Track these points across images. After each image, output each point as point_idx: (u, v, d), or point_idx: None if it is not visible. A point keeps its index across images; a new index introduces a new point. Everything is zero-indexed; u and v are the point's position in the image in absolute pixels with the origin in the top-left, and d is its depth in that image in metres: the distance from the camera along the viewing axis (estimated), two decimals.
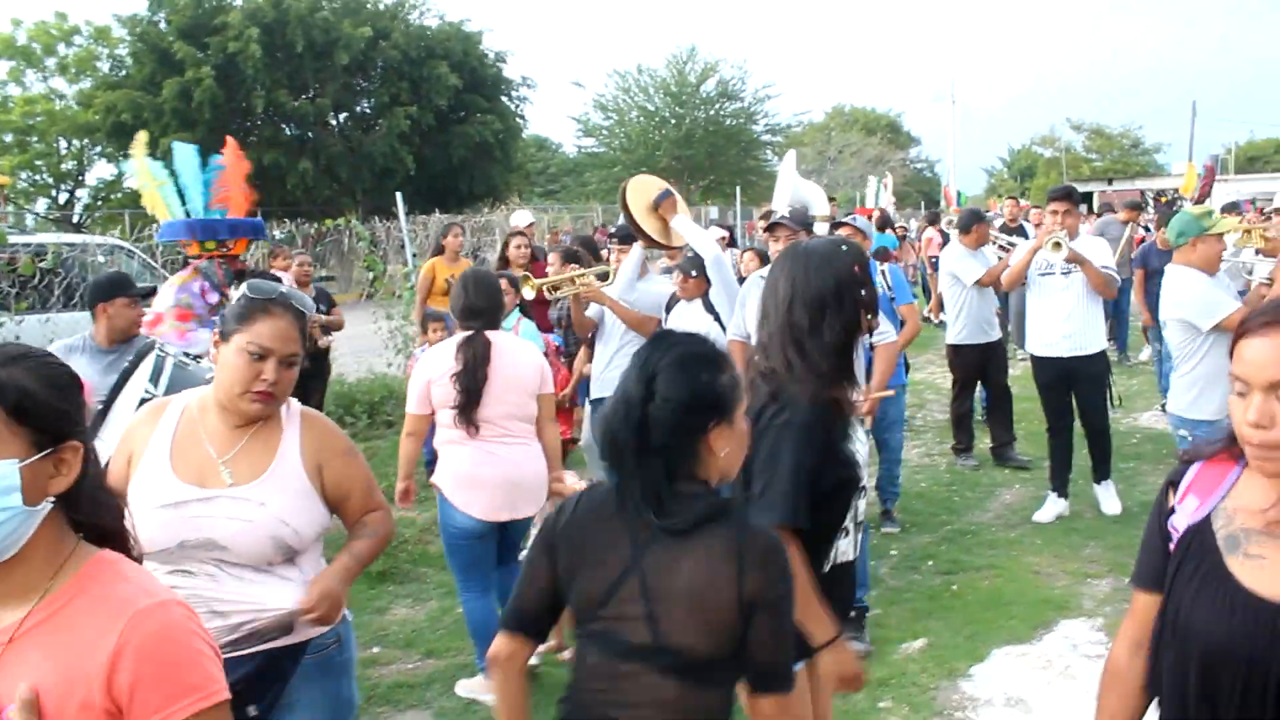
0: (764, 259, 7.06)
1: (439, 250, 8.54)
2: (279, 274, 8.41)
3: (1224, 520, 1.82)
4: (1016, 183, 58.81)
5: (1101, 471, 6.95)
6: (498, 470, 4.49)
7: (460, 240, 8.54)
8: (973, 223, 8.12)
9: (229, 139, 6.15)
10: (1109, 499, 6.90)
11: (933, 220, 18.77)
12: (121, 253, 10.27)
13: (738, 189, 20.43)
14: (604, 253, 7.47)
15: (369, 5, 30.50)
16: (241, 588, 2.49)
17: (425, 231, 15.84)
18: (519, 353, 4.64)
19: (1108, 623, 5.11)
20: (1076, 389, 6.79)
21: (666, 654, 1.97)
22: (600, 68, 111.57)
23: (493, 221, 20.50)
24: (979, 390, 8.48)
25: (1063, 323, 6.65)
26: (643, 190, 5.72)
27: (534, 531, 4.24)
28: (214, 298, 5.71)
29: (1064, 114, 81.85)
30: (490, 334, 4.55)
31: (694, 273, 5.89)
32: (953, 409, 8.38)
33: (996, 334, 8.12)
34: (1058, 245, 6.48)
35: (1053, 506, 6.85)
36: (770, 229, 5.81)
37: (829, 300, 2.64)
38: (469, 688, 4.69)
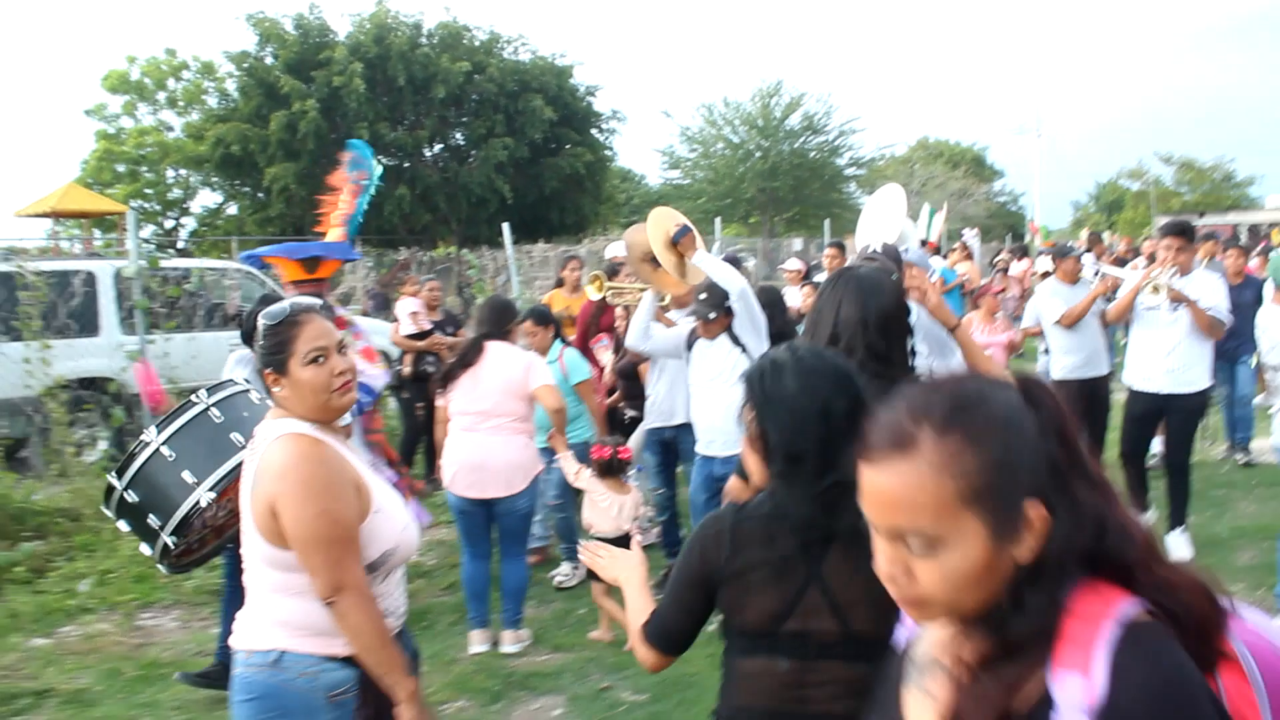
0: None
1: (559, 283, 9.10)
2: (410, 299, 9.02)
3: (927, 641, 1.46)
4: (1103, 216, 58.26)
5: (1177, 517, 6.70)
6: (469, 454, 5.50)
7: (578, 273, 8.96)
8: (1061, 256, 7.91)
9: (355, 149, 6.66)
10: (1180, 546, 6.61)
11: (1023, 253, 18.88)
12: (250, 278, 10.97)
13: (826, 223, 20.78)
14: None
15: (466, 41, 31.46)
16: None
17: (530, 260, 16.48)
18: (507, 359, 5.63)
19: None
20: (1168, 422, 6.72)
21: (854, 643, 2.11)
22: (686, 101, 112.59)
23: (592, 251, 21.22)
24: None
25: (1164, 358, 6.51)
26: (661, 223, 5.75)
27: (536, 528, 5.38)
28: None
29: (1152, 146, 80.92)
30: (489, 343, 5.62)
31: (711, 315, 5.65)
32: None
33: (1100, 369, 7.51)
34: (1156, 290, 6.45)
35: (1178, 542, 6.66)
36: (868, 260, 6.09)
37: (894, 322, 2.94)
38: (474, 640, 5.69)
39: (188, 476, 3.60)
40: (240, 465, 3.45)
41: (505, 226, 11.82)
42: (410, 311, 8.85)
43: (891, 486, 1.27)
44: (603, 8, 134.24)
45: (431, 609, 6.24)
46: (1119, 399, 7.26)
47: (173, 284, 8.81)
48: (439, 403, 5.86)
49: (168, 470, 3.63)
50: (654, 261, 5.78)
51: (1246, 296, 8.72)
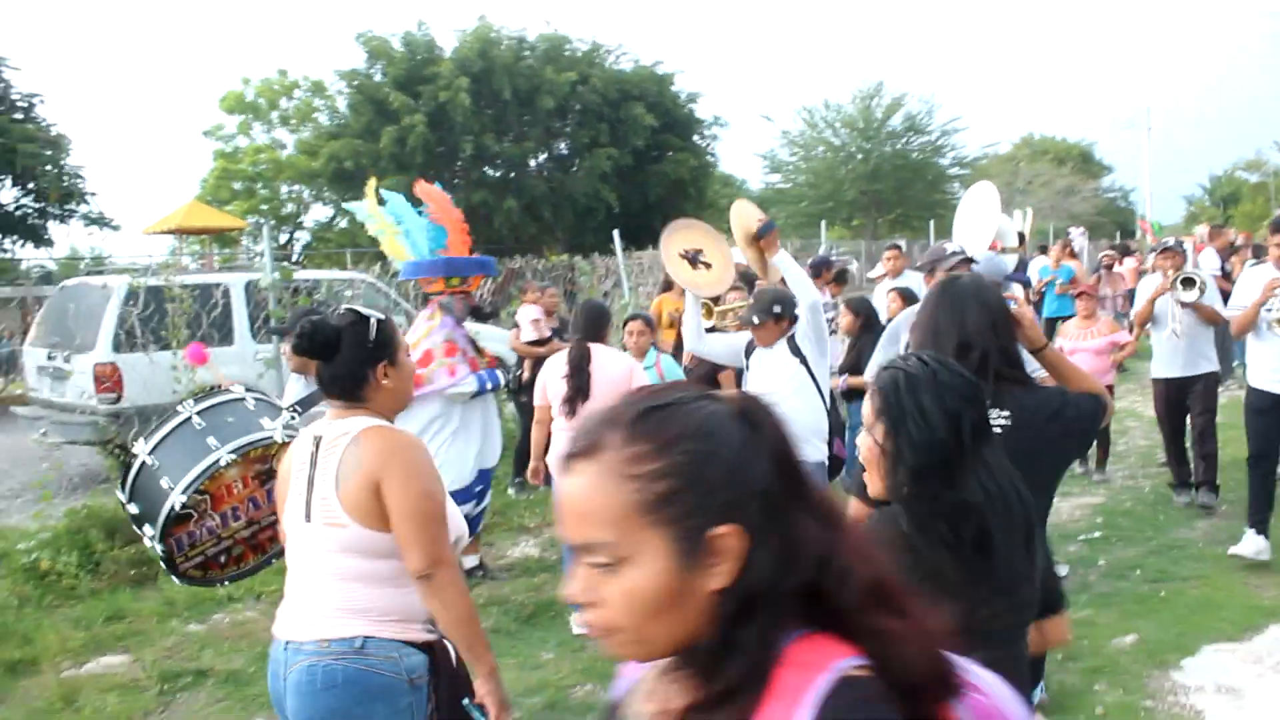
0: (907, 299, 7.15)
1: (667, 286, 9.33)
2: (531, 306, 9.32)
3: (640, 697, 1.31)
4: (1219, 210, 56.56)
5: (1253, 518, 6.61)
6: None
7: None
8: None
9: (419, 181, 6.90)
10: (1250, 546, 6.52)
11: (1125, 252, 18.57)
12: (373, 289, 11.43)
13: (930, 223, 20.73)
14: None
15: (568, 52, 31.98)
16: None
17: (640, 266, 16.77)
18: (611, 361, 5.97)
19: None
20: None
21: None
22: (786, 104, 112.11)
23: None
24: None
25: None
26: (745, 216, 5.66)
27: None
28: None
29: (1270, 135, 78.14)
30: (591, 345, 5.96)
31: (756, 319, 5.62)
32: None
33: (1204, 368, 7.72)
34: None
35: (1251, 543, 6.50)
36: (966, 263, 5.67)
37: (1003, 326, 2.96)
38: (577, 621, 5.85)
39: (165, 483, 3.75)
40: (215, 465, 3.75)
41: (615, 233, 12.10)
42: (532, 319, 9.12)
43: (575, 493, 1.19)
44: (702, 14, 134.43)
45: (558, 600, 6.49)
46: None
47: (304, 294, 9.23)
48: (538, 403, 6.18)
49: (152, 479, 3.78)
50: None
51: None
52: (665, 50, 70.90)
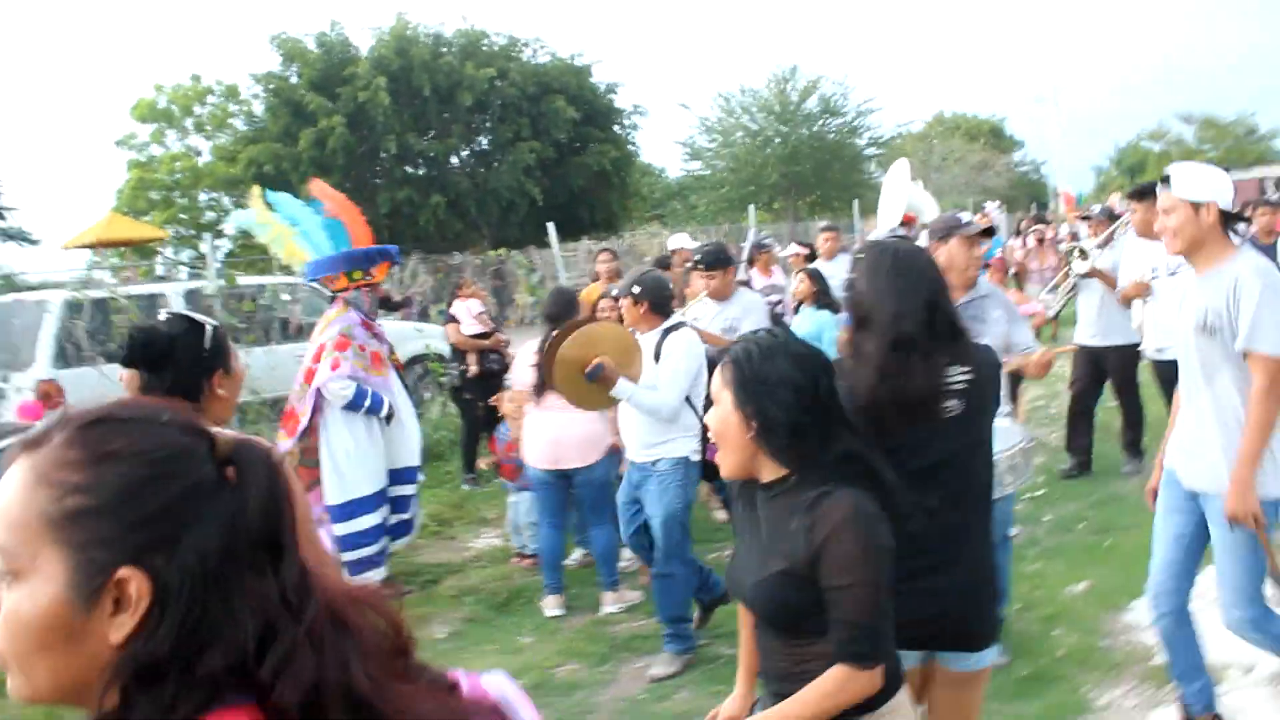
0: (815, 280, 7.38)
1: (596, 277, 9.47)
2: (472, 300, 9.37)
3: None
4: (1127, 179, 58.03)
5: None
6: (547, 430, 5.95)
7: (608, 265, 9.29)
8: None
9: (314, 180, 6.71)
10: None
11: (1039, 222, 18.91)
12: (317, 293, 11.42)
13: (855, 203, 21.10)
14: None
15: (485, 47, 31.96)
16: None
17: (575, 256, 16.91)
18: None
19: None
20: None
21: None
22: (703, 91, 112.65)
23: (635, 245, 21.63)
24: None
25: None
26: (576, 363, 5.13)
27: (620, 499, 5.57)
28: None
29: (1172, 106, 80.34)
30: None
31: (615, 293, 5.63)
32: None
33: (1118, 339, 7.76)
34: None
35: None
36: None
37: (944, 283, 2.99)
38: (548, 605, 6.15)
39: None
40: None
41: (550, 226, 12.26)
42: (476, 312, 9.13)
43: (2, 483, 1.04)
44: (615, 5, 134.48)
45: (528, 587, 6.59)
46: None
47: (248, 300, 9.24)
48: (511, 383, 6.31)
49: None
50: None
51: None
52: (582, 41, 70.80)
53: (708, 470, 5.48)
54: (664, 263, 9.18)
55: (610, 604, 6.06)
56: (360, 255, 6.26)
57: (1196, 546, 4.01)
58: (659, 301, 5.28)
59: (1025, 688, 4.59)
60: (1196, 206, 3.59)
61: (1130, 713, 4.34)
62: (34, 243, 28.19)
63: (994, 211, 22.64)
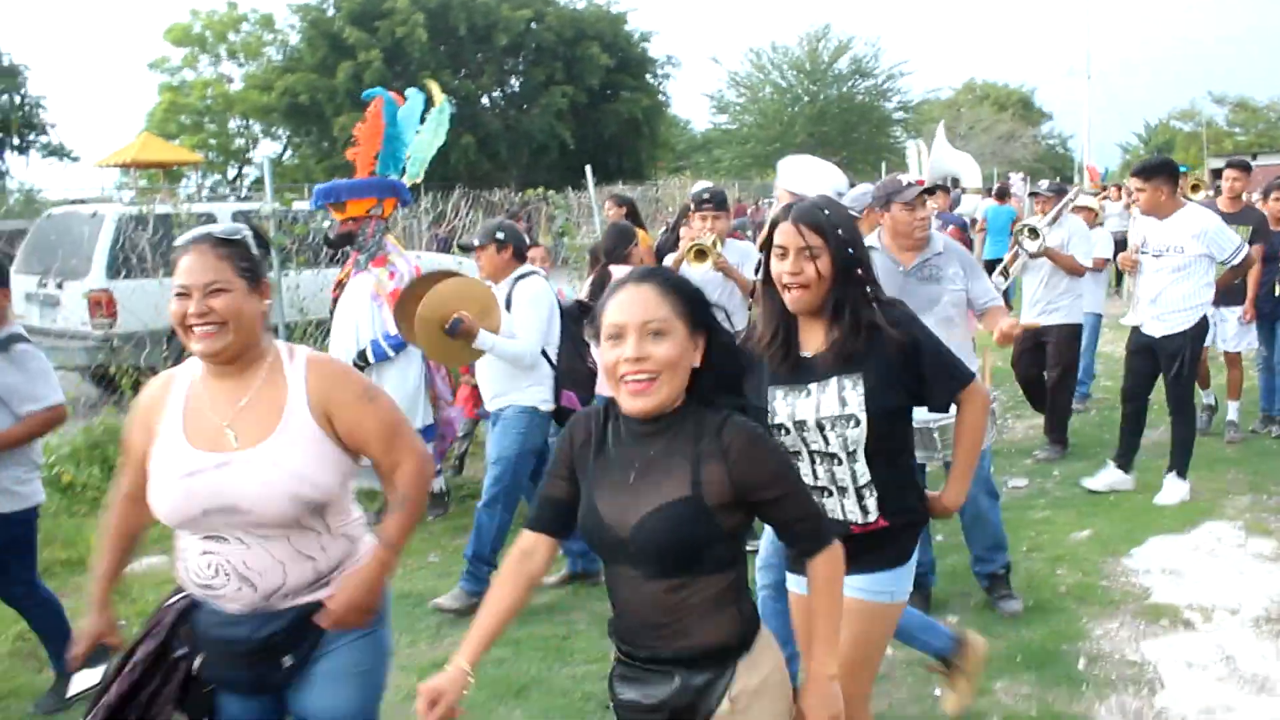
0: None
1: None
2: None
3: None
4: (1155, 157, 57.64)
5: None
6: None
7: (613, 212, 9.46)
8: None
9: (375, 98, 6.74)
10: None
11: (1060, 194, 19.06)
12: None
13: (883, 165, 21.37)
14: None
15: None
16: (268, 554, 2.47)
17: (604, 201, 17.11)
18: None
19: (1247, 523, 6.14)
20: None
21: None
22: (734, 46, 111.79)
23: (663, 194, 21.85)
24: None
25: (1149, 305, 6.66)
26: (439, 312, 5.06)
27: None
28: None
29: (1206, 86, 79.51)
30: (613, 267, 6.09)
31: (477, 241, 5.50)
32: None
33: (1058, 318, 7.68)
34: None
35: (1107, 476, 6.97)
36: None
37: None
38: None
39: None
40: None
41: (588, 169, 12.51)
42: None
43: None
44: None
45: None
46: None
47: (301, 223, 9.58)
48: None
49: None
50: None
51: None
52: None
53: (560, 419, 5.43)
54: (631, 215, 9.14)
55: None
56: (335, 189, 6.35)
57: None
58: (520, 248, 5.42)
59: (1029, 617, 4.99)
60: None
61: (1123, 642, 4.73)
62: (74, 159, 28.54)
63: (1018, 182, 22.81)
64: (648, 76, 34.65)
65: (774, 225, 2.80)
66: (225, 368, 2.51)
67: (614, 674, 2.35)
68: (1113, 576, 5.50)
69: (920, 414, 3.21)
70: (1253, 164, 9.78)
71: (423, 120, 7.12)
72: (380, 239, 6.38)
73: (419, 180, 7.14)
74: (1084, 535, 6.07)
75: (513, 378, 5.22)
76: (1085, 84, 47.71)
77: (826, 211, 2.76)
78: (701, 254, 5.52)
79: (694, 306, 2.25)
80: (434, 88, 7.46)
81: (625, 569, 2.26)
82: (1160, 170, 6.50)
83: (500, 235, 5.34)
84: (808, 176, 6.35)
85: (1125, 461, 6.96)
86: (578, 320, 5.41)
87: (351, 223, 6.30)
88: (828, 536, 2.30)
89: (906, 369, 2.84)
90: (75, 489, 7.34)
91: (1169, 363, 6.53)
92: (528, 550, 2.41)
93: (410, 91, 7.28)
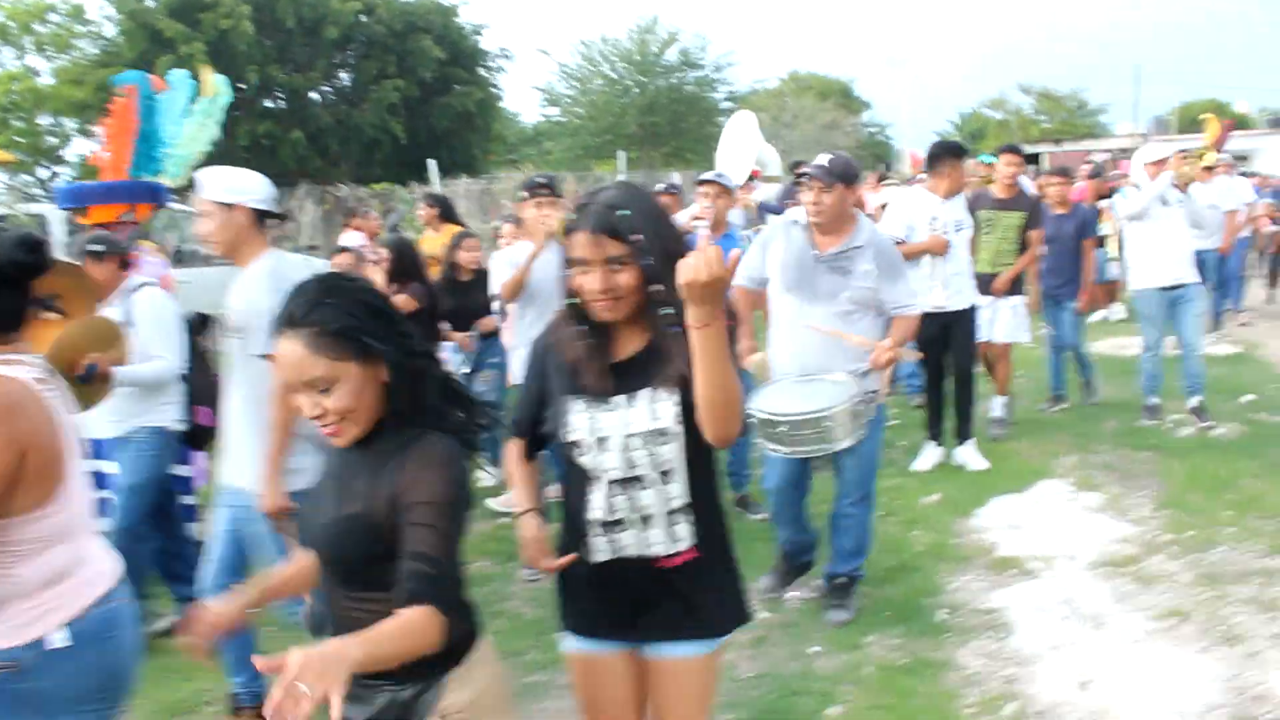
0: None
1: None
2: (354, 232, 9.60)
3: None
4: (967, 144, 60.28)
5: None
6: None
7: (424, 212, 9.25)
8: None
9: (127, 85, 6.28)
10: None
11: (882, 180, 19.81)
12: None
13: (716, 155, 21.81)
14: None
15: None
16: None
17: (453, 195, 17.11)
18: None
19: (1076, 481, 6.72)
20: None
21: None
22: (564, 39, 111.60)
23: (492, 188, 21.60)
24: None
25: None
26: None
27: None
28: None
29: (1014, 77, 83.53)
30: None
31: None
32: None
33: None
34: None
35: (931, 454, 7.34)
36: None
37: None
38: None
39: None
40: None
41: (431, 164, 12.59)
42: (360, 245, 9.42)
43: None
44: None
45: None
46: None
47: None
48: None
49: None
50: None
51: (1067, 228, 8.45)
52: None
53: (196, 438, 5.20)
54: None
55: (499, 505, 6.57)
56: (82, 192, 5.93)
57: None
58: (126, 261, 4.84)
59: (890, 576, 5.41)
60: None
61: (977, 593, 5.19)
62: None
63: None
64: (480, 69, 34.46)
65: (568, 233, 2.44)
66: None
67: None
68: (963, 534, 5.98)
69: (812, 403, 3.34)
70: (1056, 149, 10.25)
71: (195, 112, 6.64)
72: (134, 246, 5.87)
73: (182, 181, 6.54)
74: (934, 499, 6.54)
75: (143, 398, 4.72)
76: (903, 74, 49.69)
77: (626, 211, 2.34)
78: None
79: (355, 341, 2.09)
80: (206, 74, 6.91)
81: (324, 576, 2.26)
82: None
83: (100, 248, 4.69)
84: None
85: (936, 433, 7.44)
86: (199, 331, 5.20)
87: (100, 229, 5.62)
88: (440, 601, 2.00)
89: None
90: None
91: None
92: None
93: (173, 74, 6.69)
